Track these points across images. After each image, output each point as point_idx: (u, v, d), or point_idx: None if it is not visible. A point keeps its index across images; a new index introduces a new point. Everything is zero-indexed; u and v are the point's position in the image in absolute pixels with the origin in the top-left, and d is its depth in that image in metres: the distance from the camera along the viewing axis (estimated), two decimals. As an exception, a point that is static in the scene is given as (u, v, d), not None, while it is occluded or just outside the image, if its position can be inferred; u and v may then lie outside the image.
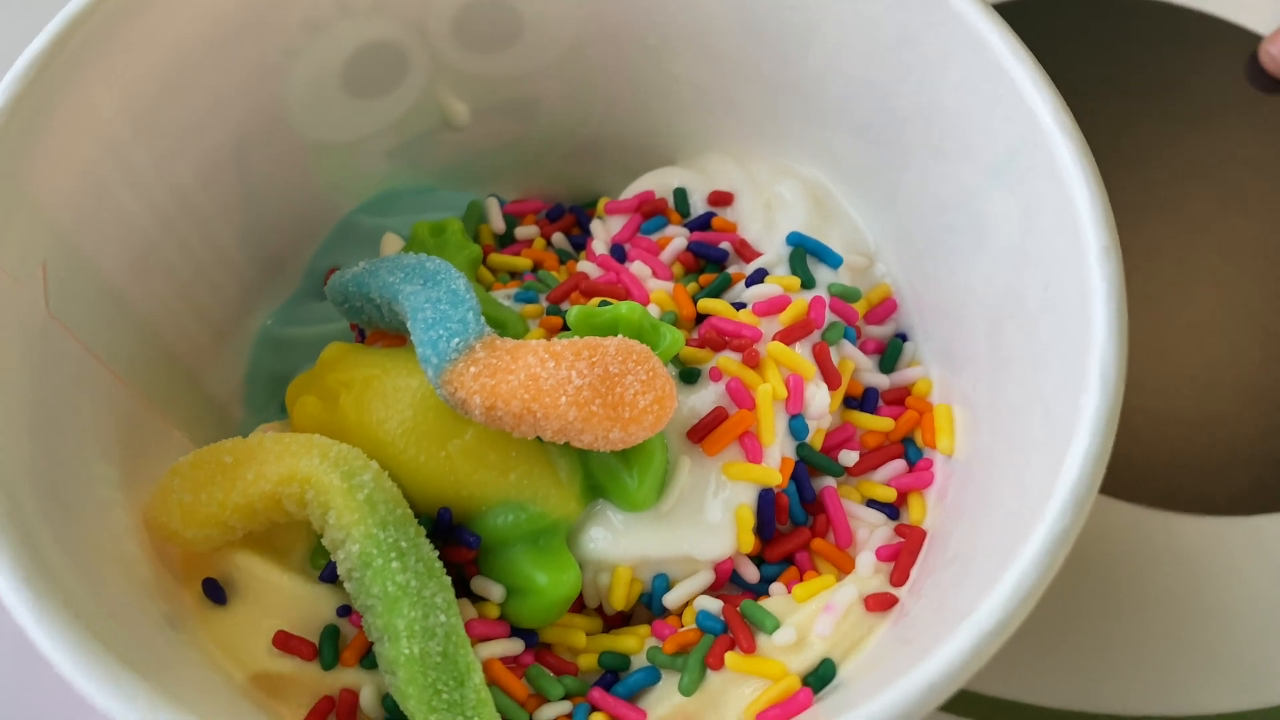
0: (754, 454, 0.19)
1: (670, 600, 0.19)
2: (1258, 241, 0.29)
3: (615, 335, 0.18)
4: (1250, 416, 0.26)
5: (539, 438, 0.19)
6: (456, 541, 0.19)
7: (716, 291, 0.21)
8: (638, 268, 0.21)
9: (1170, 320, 0.27)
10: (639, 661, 0.19)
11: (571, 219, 0.24)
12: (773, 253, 0.21)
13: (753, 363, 0.19)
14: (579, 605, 0.19)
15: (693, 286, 0.21)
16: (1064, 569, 0.22)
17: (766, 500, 0.19)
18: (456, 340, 0.18)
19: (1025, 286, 0.18)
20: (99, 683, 0.13)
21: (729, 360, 0.19)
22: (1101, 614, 0.23)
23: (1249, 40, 0.31)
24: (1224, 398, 0.26)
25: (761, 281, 0.20)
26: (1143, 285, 0.27)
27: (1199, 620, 0.24)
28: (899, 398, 0.21)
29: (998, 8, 0.25)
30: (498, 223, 0.23)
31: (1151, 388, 0.26)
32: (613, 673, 0.19)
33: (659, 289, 0.21)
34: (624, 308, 0.19)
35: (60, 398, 0.17)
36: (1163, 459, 0.25)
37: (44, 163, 0.17)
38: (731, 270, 0.21)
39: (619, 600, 0.19)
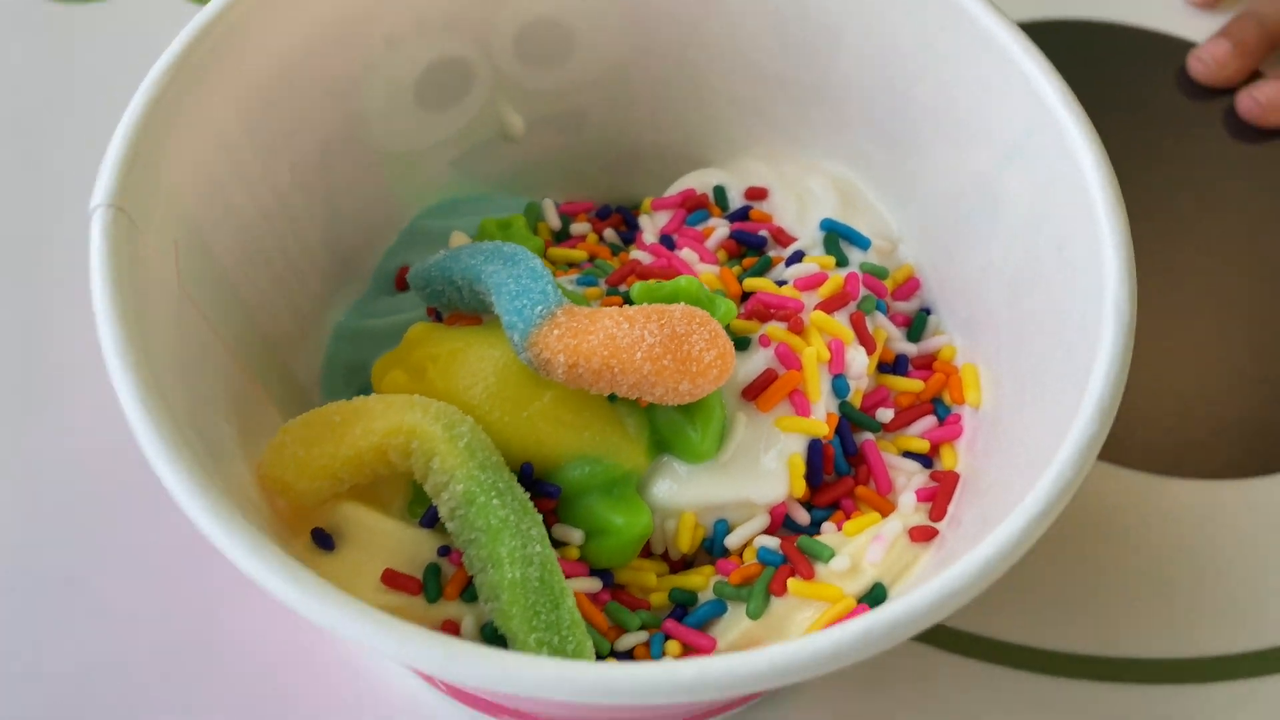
0: (802, 409, 0.21)
1: (731, 541, 0.21)
2: (1233, 241, 0.31)
3: (678, 304, 0.20)
4: (1238, 392, 0.29)
5: (610, 397, 0.21)
6: (538, 493, 0.21)
7: (759, 272, 0.23)
8: (686, 254, 0.24)
9: (1161, 306, 0.30)
10: (705, 597, 0.21)
11: (619, 217, 0.26)
12: (807, 237, 0.24)
13: (798, 329, 0.22)
14: (647, 551, 0.21)
15: (736, 269, 0.24)
16: (1066, 528, 0.24)
17: (815, 450, 0.21)
18: (540, 308, 0.20)
19: (1041, 251, 0.20)
20: (282, 575, 0.15)
21: (776, 328, 0.22)
22: (1100, 568, 0.25)
23: (1183, 49, 0.34)
24: (1214, 375, 0.29)
25: (800, 261, 0.23)
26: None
27: (1194, 570, 0.26)
28: (926, 363, 0.23)
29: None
30: (554, 220, 0.26)
31: (1149, 369, 0.29)
32: (682, 607, 0.21)
33: (707, 271, 0.23)
34: (683, 280, 0.21)
35: (193, 359, 0.19)
36: (1160, 430, 0.28)
37: (175, 156, 0.19)
38: (771, 254, 0.24)
39: (685, 543, 0.21)
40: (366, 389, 0.23)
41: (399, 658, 0.15)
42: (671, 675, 0.14)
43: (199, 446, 0.16)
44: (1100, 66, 0.35)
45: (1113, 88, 0.34)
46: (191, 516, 0.15)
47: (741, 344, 0.22)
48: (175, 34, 0.20)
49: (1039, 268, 0.20)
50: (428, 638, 0.14)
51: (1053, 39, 0.35)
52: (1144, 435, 0.28)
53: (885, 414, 0.22)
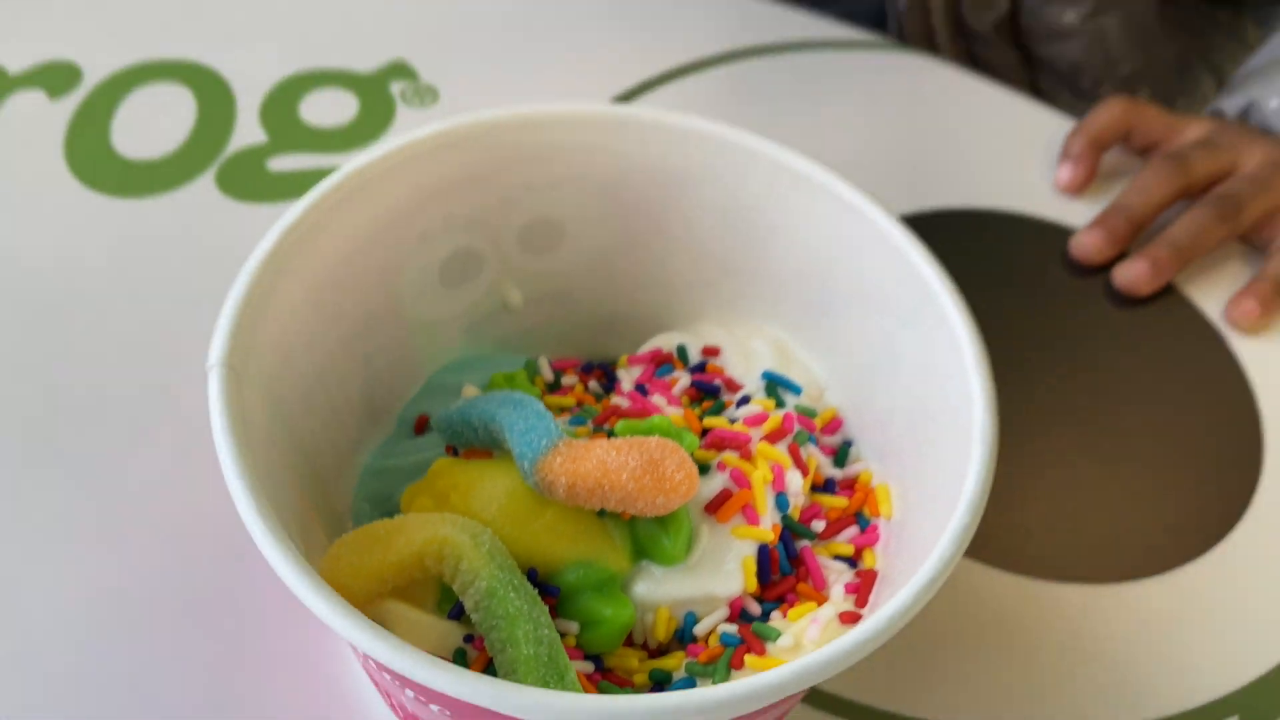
0: (752, 520, 0.27)
1: (699, 629, 0.26)
2: (1104, 386, 0.38)
3: (654, 436, 0.26)
4: (1111, 509, 0.35)
5: (600, 512, 0.26)
6: (542, 592, 0.26)
7: (715, 412, 0.29)
8: (657, 399, 0.29)
9: (1053, 443, 0.36)
10: (678, 676, 0.26)
11: (600, 372, 0.32)
12: (752, 385, 0.30)
13: (747, 457, 0.27)
14: (629, 640, 0.26)
15: (697, 410, 0.29)
16: (949, 627, 0.30)
17: (764, 554, 0.26)
18: (544, 441, 0.26)
19: (930, 394, 0.26)
20: (377, 636, 0.20)
21: (730, 456, 0.27)
22: (990, 659, 0.31)
23: (1066, 234, 0.42)
24: (1091, 494, 0.35)
25: (747, 404, 0.29)
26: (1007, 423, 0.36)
27: (1074, 662, 0.31)
28: (849, 484, 0.29)
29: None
30: (548, 374, 0.31)
31: (1042, 493, 0.35)
32: (660, 685, 0.26)
33: (673, 412, 0.29)
34: (657, 419, 0.27)
35: (277, 486, 0.24)
36: (1051, 542, 0.34)
37: (264, 326, 0.25)
38: (724, 399, 0.30)
39: (661, 632, 0.26)
40: (390, 516, 0.28)
41: (464, 695, 0.19)
42: (680, 700, 0.19)
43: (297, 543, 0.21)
44: (1001, 246, 0.42)
45: (1010, 265, 0.41)
46: (301, 596, 0.20)
47: (703, 469, 0.27)
48: (257, 232, 0.26)
49: (928, 407, 0.26)
50: (488, 681, 0.19)
51: (959, 224, 0.42)
52: (1037, 546, 0.33)
53: (818, 525, 0.28)
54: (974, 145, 0.45)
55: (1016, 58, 0.54)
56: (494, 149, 0.29)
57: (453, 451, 0.29)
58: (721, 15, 0.48)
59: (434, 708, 0.23)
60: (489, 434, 0.28)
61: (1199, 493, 0.35)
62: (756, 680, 0.20)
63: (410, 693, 0.23)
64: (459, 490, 0.27)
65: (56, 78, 0.43)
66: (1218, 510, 0.35)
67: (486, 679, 0.19)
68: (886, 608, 0.21)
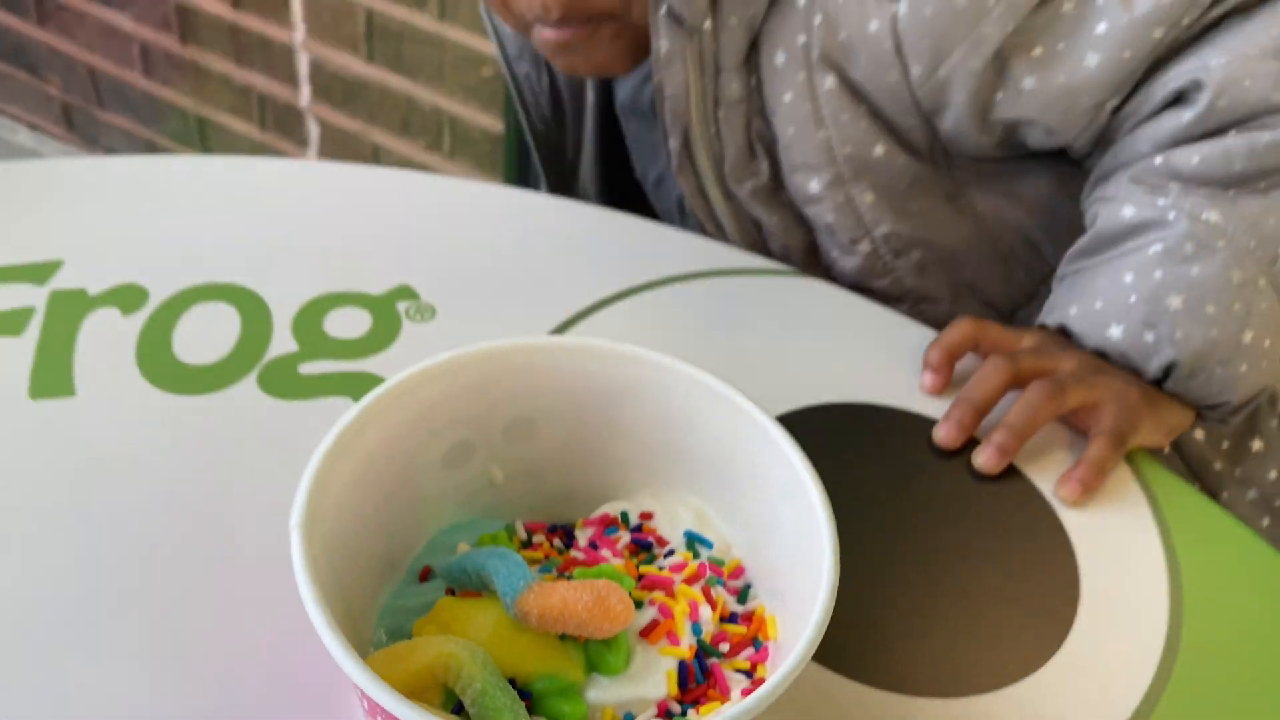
0: (675, 642, 0.36)
1: (634, 724, 0.35)
2: (953, 546, 0.48)
3: (602, 579, 0.36)
4: (956, 630, 0.44)
5: (563, 635, 0.36)
6: (519, 695, 0.35)
7: (648, 562, 0.39)
8: (605, 553, 0.39)
9: (915, 582, 0.46)
10: (619, 758, 0.35)
11: (562, 532, 0.42)
12: (676, 542, 0.40)
13: (671, 596, 0.37)
14: (584, 734, 0.36)
15: (635, 561, 0.39)
16: None
17: (683, 668, 0.36)
18: (522, 583, 0.35)
19: (800, 550, 0.37)
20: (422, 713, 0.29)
21: (659, 595, 0.37)
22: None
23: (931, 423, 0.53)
24: (941, 620, 0.45)
25: (672, 555, 0.39)
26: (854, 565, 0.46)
27: (936, 754, 0.40)
28: (748, 617, 0.39)
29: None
30: (522, 534, 0.41)
31: (899, 618, 0.45)
32: (606, 764, 0.35)
33: (616, 563, 0.39)
34: (605, 567, 0.37)
35: (334, 608, 0.33)
36: (905, 658, 0.43)
37: (323, 500, 0.35)
38: (655, 552, 0.40)
39: (607, 726, 0.35)
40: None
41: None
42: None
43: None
44: (876, 434, 0.53)
45: (886, 448, 0.52)
46: (368, 689, 0.30)
47: (638, 604, 0.37)
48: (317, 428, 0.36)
49: (799, 557, 0.36)
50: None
51: (841, 415, 0.53)
52: (897, 664, 0.43)
53: (724, 646, 0.37)
54: (864, 352, 0.56)
55: (789, 216, 0.62)
56: (488, 370, 0.40)
57: (451, 592, 0.39)
58: (646, 248, 0.60)
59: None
60: (480, 579, 0.37)
61: (1028, 625, 0.45)
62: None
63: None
64: (458, 621, 0.36)
65: (128, 298, 0.54)
66: (1043, 640, 0.45)
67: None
68: (749, 699, 0.30)
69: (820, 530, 0.35)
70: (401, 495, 0.40)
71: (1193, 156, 0.51)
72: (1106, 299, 0.53)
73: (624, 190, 0.75)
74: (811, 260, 0.63)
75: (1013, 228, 0.62)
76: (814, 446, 0.39)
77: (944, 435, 0.51)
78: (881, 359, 0.55)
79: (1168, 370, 0.52)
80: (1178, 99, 0.52)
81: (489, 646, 0.35)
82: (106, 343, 0.51)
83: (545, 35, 0.57)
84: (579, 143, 0.74)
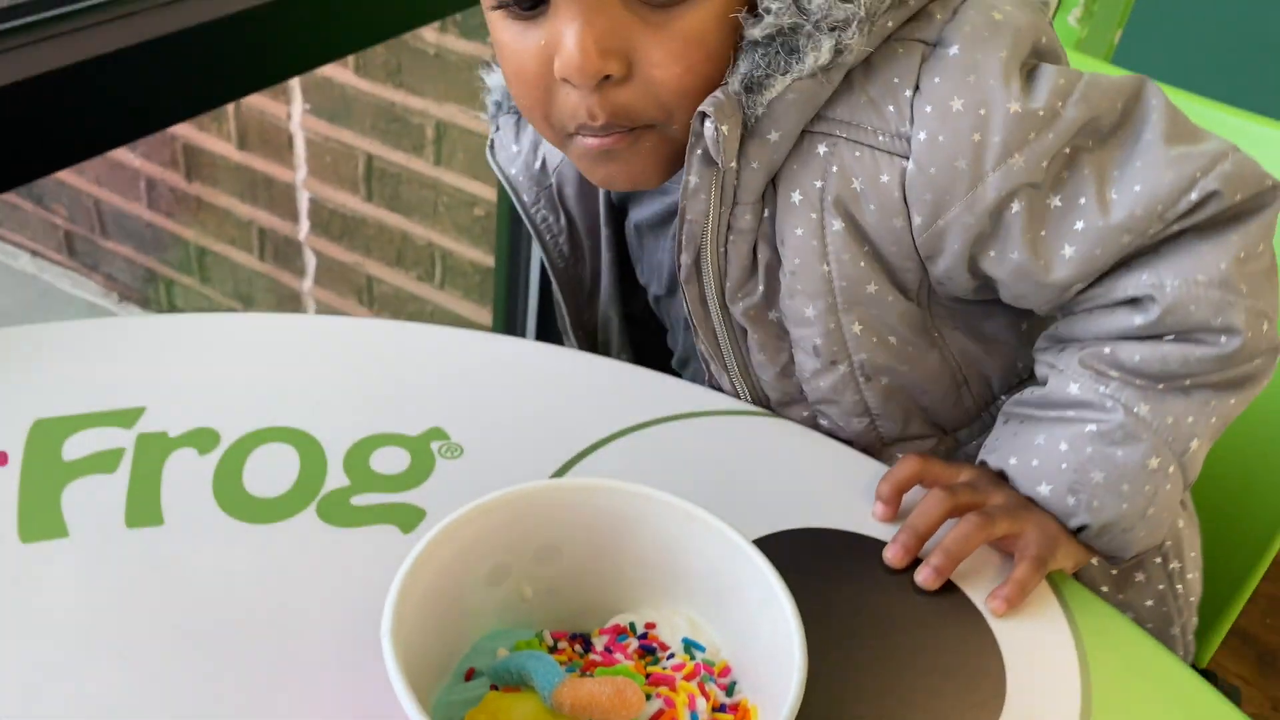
0: (676, 727, 0.45)
1: (646, 793, 0.44)
2: (902, 651, 0.58)
3: (619, 677, 0.45)
4: (908, 728, 0.54)
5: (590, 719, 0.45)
6: (554, 771, 0.44)
7: (654, 663, 0.48)
8: (618, 656, 0.49)
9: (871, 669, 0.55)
10: (634, 821, 0.43)
11: (581, 640, 0.51)
12: (676, 647, 0.49)
13: (673, 690, 0.46)
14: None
15: (643, 662, 0.49)
16: None
17: (683, 747, 0.45)
18: (556, 679, 0.45)
19: (777, 652, 0.46)
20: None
21: (663, 689, 0.46)
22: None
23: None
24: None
25: (672, 658, 0.48)
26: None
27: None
28: (735, 707, 0.48)
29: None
30: (549, 641, 0.50)
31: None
32: (623, 826, 0.43)
33: (628, 664, 0.48)
34: (620, 666, 0.46)
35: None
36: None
37: (401, 612, 0.44)
38: (659, 655, 0.49)
39: (624, 795, 0.44)
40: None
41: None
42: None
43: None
44: (836, 554, 0.63)
45: (844, 567, 0.62)
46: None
47: (648, 696, 0.46)
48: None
49: (775, 658, 0.46)
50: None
51: (808, 539, 0.63)
52: (859, 753, 0.52)
53: (716, 731, 0.47)
54: (825, 483, 0.66)
55: (772, 333, 0.67)
56: (522, 507, 0.49)
57: (495, 688, 0.48)
58: (639, 391, 0.70)
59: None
60: (520, 676, 0.47)
61: (962, 717, 0.55)
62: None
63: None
64: (504, 711, 0.45)
65: (203, 440, 0.63)
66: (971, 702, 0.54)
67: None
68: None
69: (792, 636, 0.45)
70: (453, 609, 0.49)
71: (1135, 354, 0.60)
72: (1041, 459, 0.61)
73: (640, 306, 0.82)
74: (784, 375, 0.70)
75: (972, 362, 0.71)
76: (785, 565, 0.49)
77: (891, 556, 0.61)
78: (840, 490, 0.65)
79: (1080, 528, 0.62)
80: (1133, 301, 0.61)
81: (529, 732, 0.44)
82: (187, 478, 0.61)
83: (588, 144, 0.61)
84: (596, 272, 0.80)
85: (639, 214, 0.76)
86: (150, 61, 0.83)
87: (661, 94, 0.58)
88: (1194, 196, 0.58)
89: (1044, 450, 0.62)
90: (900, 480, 0.64)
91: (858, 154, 0.60)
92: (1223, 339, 0.59)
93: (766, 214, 0.63)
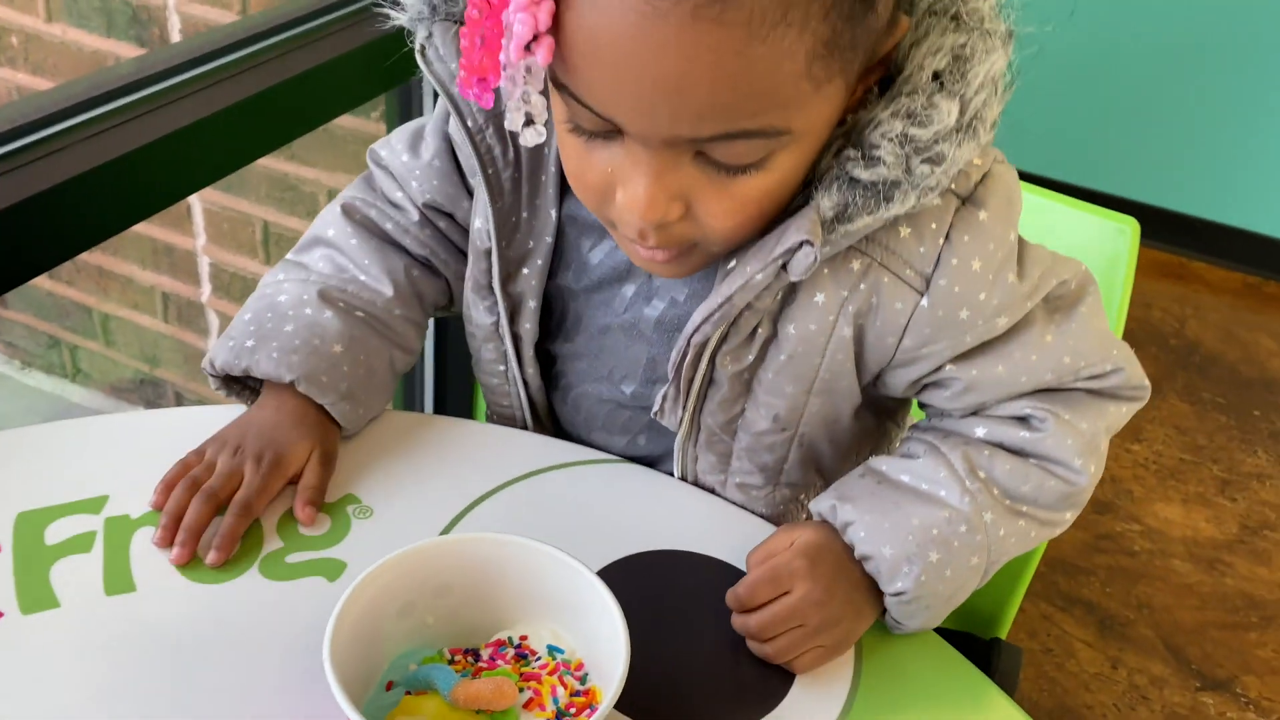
0: (543, 709, 0.63)
1: (522, 758, 0.62)
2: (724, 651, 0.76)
3: (499, 677, 0.63)
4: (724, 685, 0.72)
5: (479, 710, 0.62)
6: (455, 748, 0.61)
7: (527, 665, 0.66)
8: (499, 663, 0.66)
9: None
10: (515, 778, 0.61)
11: (473, 653, 0.68)
12: (542, 651, 0.67)
13: (540, 683, 0.64)
14: (494, 767, 0.62)
15: (519, 665, 0.66)
16: None
17: (548, 723, 0.63)
18: (453, 682, 0.62)
19: (615, 647, 0.64)
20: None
21: (533, 683, 0.64)
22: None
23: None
24: (714, 682, 0.72)
25: (539, 659, 0.66)
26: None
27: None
28: (587, 692, 0.65)
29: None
30: (448, 655, 0.68)
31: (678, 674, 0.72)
32: (507, 782, 0.61)
33: (507, 667, 0.65)
34: (501, 668, 0.63)
35: (346, 709, 0.59)
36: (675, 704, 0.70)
37: (336, 649, 0.61)
38: (530, 659, 0.66)
39: (507, 761, 0.61)
40: (377, 731, 0.63)
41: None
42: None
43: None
44: (662, 570, 0.81)
45: (667, 579, 0.80)
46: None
47: (521, 689, 0.63)
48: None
49: (612, 653, 0.63)
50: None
51: (639, 561, 0.81)
52: (671, 708, 0.70)
53: (572, 710, 0.64)
54: (660, 513, 0.84)
55: (741, 389, 0.73)
56: (423, 558, 0.66)
57: (408, 694, 0.65)
58: (513, 450, 0.88)
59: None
60: (427, 683, 0.63)
61: (757, 677, 0.73)
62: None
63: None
64: (417, 709, 0.62)
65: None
66: (768, 685, 0.73)
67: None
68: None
69: (618, 635, 0.63)
70: (374, 637, 0.66)
71: (1006, 465, 0.69)
72: (893, 524, 0.68)
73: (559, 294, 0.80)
74: (729, 425, 0.76)
75: (869, 436, 0.80)
76: (621, 582, 0.66)
77: (732, 598, 0.70)
78: (668, 517, 0.83)
79: (897, 594, 0.68)
80: (1025, 420, 0.71)
81: (435, 721, 0.61)
82: (151, 552, 0.76)
83: (641, 253, 0.64)
84: (527, 252, 0.77)
85: (611, 313, 0.78)
86: (69, 197, 0.97)
87: (713, 235, 0.62)
88: (1107, 367, 0.72)
89: (896, 517, 0.68)
90: (746, 599, 0.70)
91: (885, 280, 0.67)
92: (1074, 478, 0.71)
93: (780, 298, 0.68)
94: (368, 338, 0.82)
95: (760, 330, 0.70)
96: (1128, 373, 0.73)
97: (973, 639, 1.04)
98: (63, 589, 0.73)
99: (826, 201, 0.61)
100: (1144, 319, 2.57)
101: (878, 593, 0.70)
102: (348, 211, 0.83)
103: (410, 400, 1.61)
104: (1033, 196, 1.01)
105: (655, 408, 0.76)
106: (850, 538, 0.70)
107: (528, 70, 0.54)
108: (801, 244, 0.61)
